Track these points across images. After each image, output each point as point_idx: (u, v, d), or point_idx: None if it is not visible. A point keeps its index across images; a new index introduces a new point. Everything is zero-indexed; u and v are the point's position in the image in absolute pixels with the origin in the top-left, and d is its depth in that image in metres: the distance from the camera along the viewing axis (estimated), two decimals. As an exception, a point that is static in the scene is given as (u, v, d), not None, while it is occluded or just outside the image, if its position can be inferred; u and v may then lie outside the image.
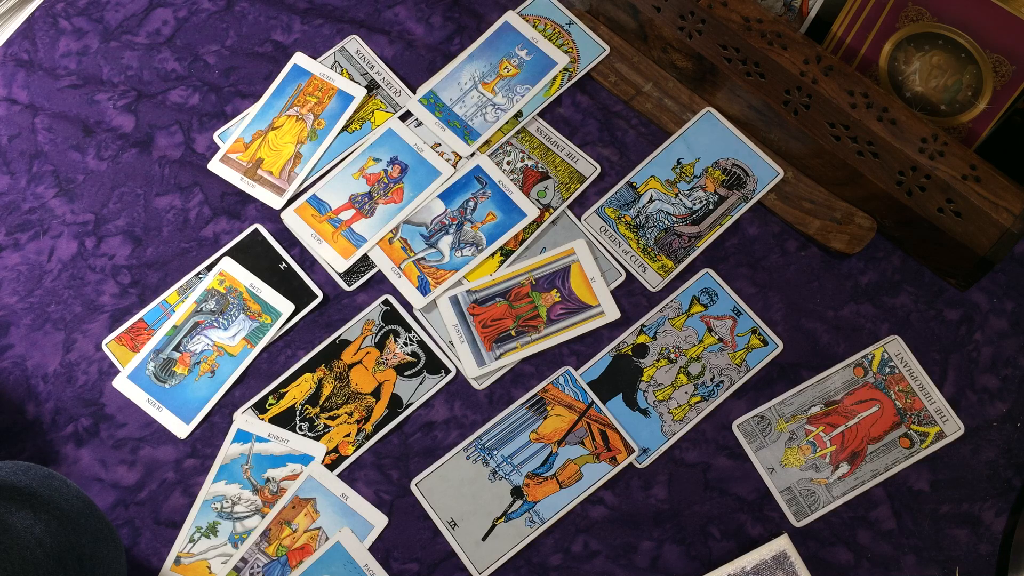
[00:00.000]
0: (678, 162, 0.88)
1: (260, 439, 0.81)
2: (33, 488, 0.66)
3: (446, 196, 0.88)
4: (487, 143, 0.90)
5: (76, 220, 0.89)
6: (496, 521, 0.78)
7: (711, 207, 0.87)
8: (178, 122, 0.93)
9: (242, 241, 0.88)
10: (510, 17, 0.94)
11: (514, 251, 0.86)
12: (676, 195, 0.87)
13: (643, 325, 0.84)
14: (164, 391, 0.83)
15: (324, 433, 0.81)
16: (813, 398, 0.81)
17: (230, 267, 0.86)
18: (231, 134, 0.92)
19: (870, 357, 0.82)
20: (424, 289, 0.85)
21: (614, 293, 0.84)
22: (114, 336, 0.85)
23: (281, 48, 0.96)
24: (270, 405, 0.82)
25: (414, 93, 0.93)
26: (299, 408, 0.82)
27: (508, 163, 0.89)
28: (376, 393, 0.82)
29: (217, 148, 0.92)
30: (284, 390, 0.83)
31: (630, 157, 0.90)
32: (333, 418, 0.81)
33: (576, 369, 0.82)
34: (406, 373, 0.83)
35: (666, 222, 0.87)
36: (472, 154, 0.89)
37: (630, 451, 0.79)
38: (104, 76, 0.95)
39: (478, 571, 0.77)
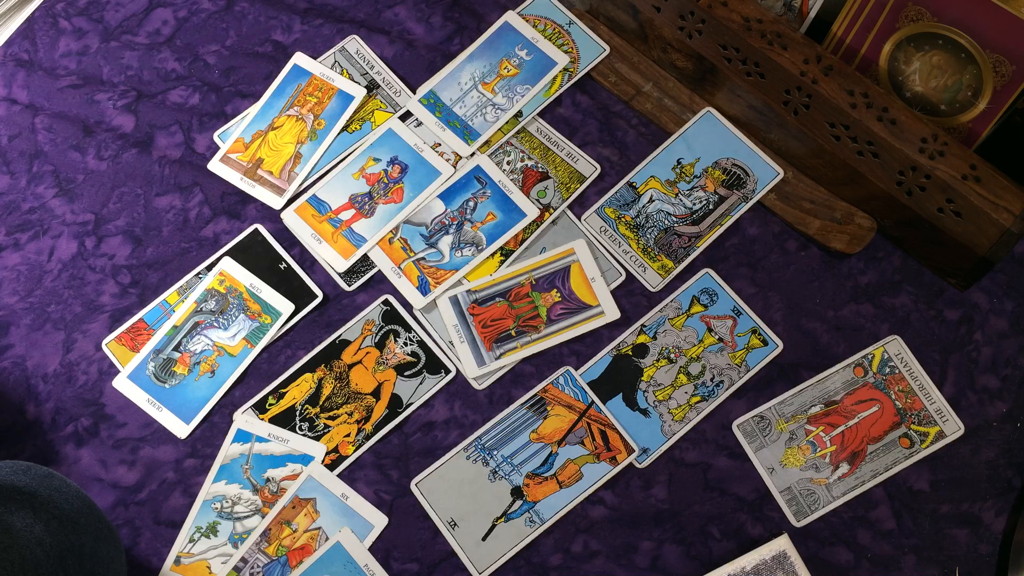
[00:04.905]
0: (678, 162, 0.88)
1: (260, 439, 0.81)
2: (33, 488, 0.66)
3: (446, 196, 0.88)
4: (487, 143, 0.90)
5: (76, 220, 0.89)
6: (496, 521, 0.78)
7: (711, 207, 0.87)
8: (178, 122, 0.93)
9: (242, 241, 0.88)
10: (510, 17, 0.94)
11: (514, 251, 0.86)
12: (676, 195, 0.87)
13: (643, 325, 0.84)
14: (164, 391, 0.83)
15: (324, 433, 0.81)
16: (813, 398, 0.81)
17: (230, 267, 0.86)
18: (231, 134, 0.92)
19: (870, 357, 0.82)
20: (424, 289, 0.85)
21: (614, 293, 0.84)
22: (114, 336, 0.85)
23: (281, 48, 0.96)
24: (270, 405, 0.82)
25: (414, 93, 0.93)
26: (299, 408, 0.82)
27: (508, 163, 0.89)
28: (376, 393, 0.82)
29: (217, 148, 0.92)
30: (284, 390, 0.83)
31: (630, 157, 0.90)
32: (333, 418, 0.81)
33: (576, 369, 0.82)
34: (406, 373, 0.83)
35: (666, 222, 0.87)
36: (472, 154, 0.89)
37: (630, 451, 0.79)
38: (104, 76, 0.95)
39: (478, 571, 0.77)
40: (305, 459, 0.80)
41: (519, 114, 0.90)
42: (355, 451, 0.80)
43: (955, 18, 0.78)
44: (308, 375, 0.83)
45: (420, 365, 0.83)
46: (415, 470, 0.80)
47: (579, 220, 0.87)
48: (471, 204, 0.88)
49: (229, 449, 0.81)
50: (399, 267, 0.86)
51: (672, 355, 0.82)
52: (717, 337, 0.83)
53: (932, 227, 0.80)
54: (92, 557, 0.65)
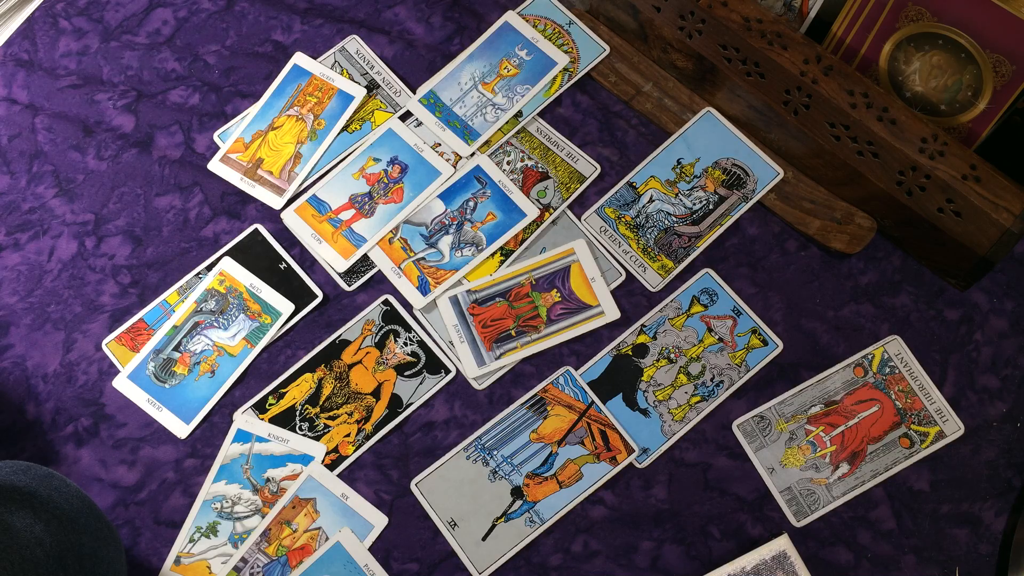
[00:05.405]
0: (678, 162, 0.88)
1: (260, 439, 0.81)
2: (33, 488, 0.66)
3: (446, 196, 0.88)
4: (487, 143, 0.90)
5: (76, 220, 0.89)
6: (496, 521, 0.78)
7: (711, 207, 0.87)
8: (178, 122, 0.93)
9: (242, 241, 0.88)
10: (510, 17, 0.94)
11: (514, 251, 0.86)
12: (676, 195, 0.87)
13: (643, 325, 0.84)
14: (164, 391, 0.83)
15: (324, 433, 0.81)
16: (813, 398, 0.81)
17: (230, 267, 0.86)
18: (231, 134, 0.92)
19: (870, 357, 0.82)
20: (424, 289, 0.85)
21: (614, 293, 0.84)
22: (114, 336, 0.85)
23: (281, 48, 0.96)
24: (270, 405, 0.82)
25: (414, 93, 0.93)
26: (299, 408, 0.82)
27: (508, 163, 0.89)
28: (376, 393, 0.82)
29: (217, 148, 0.92)
30: (284, 390, 0.83)
31: (630, 157, 0.90)
32: (333, 418, 0.81)
33: (576, 369, 0.82)
34: (406, 373, 0.83)
35: (666, 222, 0.87)
36: (472, 154, 0.89)
37: (630, 451, 0.79)
38: (104, 76, 0.95)
39: (478, 571, 0.77)
40: (305, 459, 0.80)
41: (519, 114, 0.90)
42: (355, 451, 0.80)
43: (955, 18, 0.78)
44: (308, 375, 0.83)
45: (420, 365, 0.83)
46: (415, 470, 0.80)
47: (579, 220, 0.87)
48: (471, 204, 0.88)
49: (229, 449, 0.81)
50: (399, 267, 0.86)
51: (672, 355, 0.82)
52: (717, 337, 0.83)
53: (932, 227, 0.80)
54: (92, 557, 0.65)
